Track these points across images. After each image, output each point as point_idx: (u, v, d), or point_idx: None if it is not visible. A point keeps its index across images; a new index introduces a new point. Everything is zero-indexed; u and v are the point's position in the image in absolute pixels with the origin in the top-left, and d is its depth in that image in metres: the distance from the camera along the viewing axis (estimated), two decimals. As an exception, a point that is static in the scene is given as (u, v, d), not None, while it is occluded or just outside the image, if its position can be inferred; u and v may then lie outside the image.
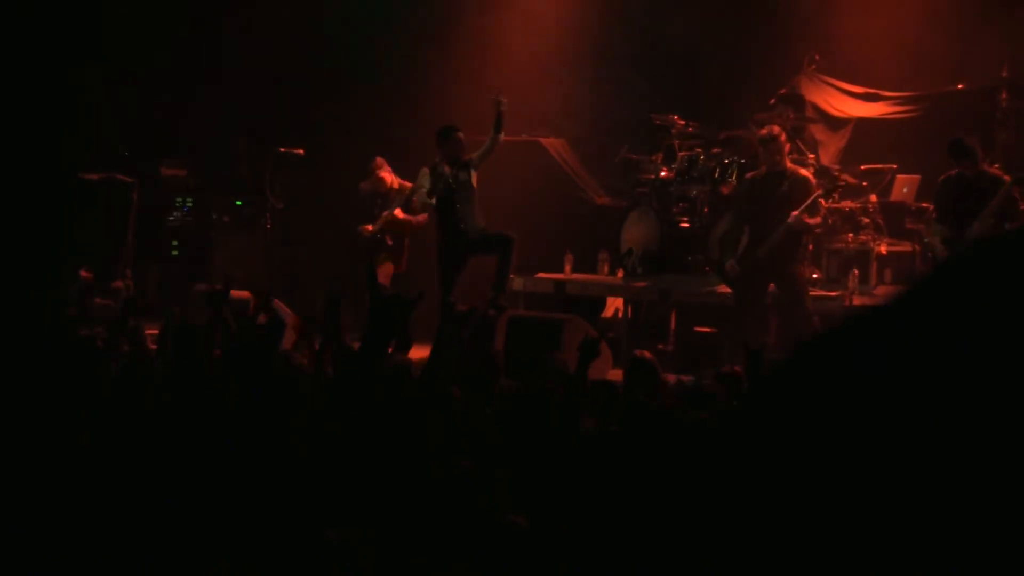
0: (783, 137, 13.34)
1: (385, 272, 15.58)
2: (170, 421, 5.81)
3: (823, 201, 13.54)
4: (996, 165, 13.37)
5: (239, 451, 5.01)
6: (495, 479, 4.91)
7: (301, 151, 16.87)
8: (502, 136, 14.00)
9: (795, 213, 12.88)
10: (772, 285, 13.20)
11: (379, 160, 15.71)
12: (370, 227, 15.63)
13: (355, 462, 4.97)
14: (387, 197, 15.70)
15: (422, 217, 15.39)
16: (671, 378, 9.81)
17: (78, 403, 5.76)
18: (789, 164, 13.37)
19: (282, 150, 16.78)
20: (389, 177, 15.63)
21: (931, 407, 1.68)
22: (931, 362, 1.70)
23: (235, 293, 10.83)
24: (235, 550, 4.19)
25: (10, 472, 4.69)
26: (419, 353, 9.32)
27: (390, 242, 15.64)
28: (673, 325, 14.76)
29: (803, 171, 13.38)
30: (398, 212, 15.56)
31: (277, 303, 10.33)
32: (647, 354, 9.38)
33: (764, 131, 13.49)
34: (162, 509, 4.47)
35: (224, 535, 4.29)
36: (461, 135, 14.21)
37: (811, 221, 13.15)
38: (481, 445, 6.17)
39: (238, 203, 17.27)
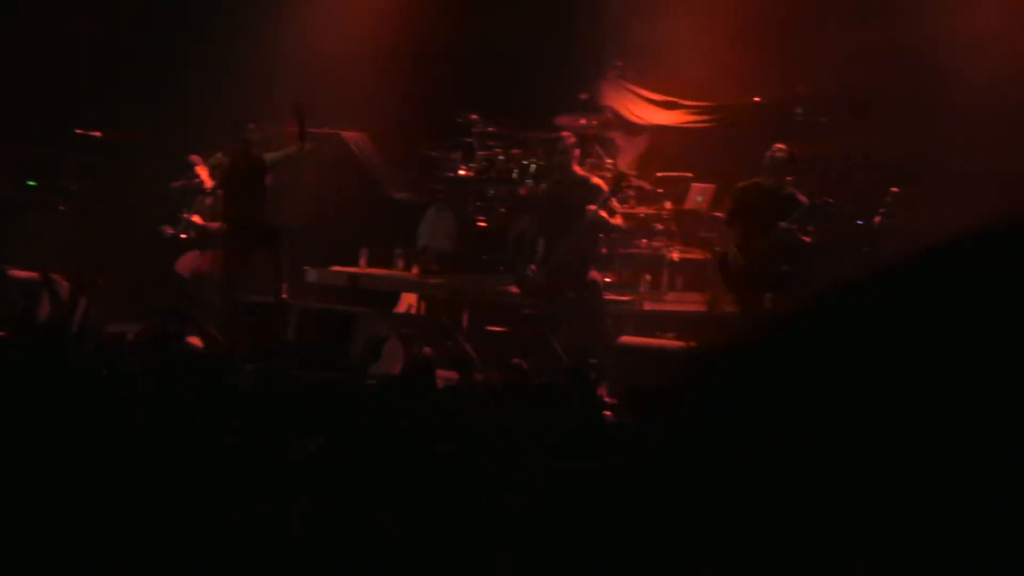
0: (571, 144, 13.45)
1: (185, 264, 15.32)
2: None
3: (618, 205, 13.63)
4: (789, 179, 13.36)
5: None
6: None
7: (99, 133, 16.57)
8: (308, 145, 13.86)
9: (592, 208, 12.96)
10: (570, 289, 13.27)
11: (194, 157, 15.43)
12: (170, 229, 15.44)
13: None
14: (195, 195, 15.52)
15: (216, 224, 15.26)
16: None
17: None
18: (579, 171, 13.48)
19: (78, 131, 16.48)
20: (205, 176, 15.43)
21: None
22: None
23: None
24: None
25: None
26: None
27: (194, 235, 15.43)
28: (465, 323, 14.76)
29: (595, 179, 13.46)
30: (196, 218, 15.32)
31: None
32: (427, 350, 9.47)
33: (552, 137, 13.65)
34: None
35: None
36: (252, 127, 14.12)
37: (611, 220, 13.26)
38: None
39: (30, 183, 16.85)
